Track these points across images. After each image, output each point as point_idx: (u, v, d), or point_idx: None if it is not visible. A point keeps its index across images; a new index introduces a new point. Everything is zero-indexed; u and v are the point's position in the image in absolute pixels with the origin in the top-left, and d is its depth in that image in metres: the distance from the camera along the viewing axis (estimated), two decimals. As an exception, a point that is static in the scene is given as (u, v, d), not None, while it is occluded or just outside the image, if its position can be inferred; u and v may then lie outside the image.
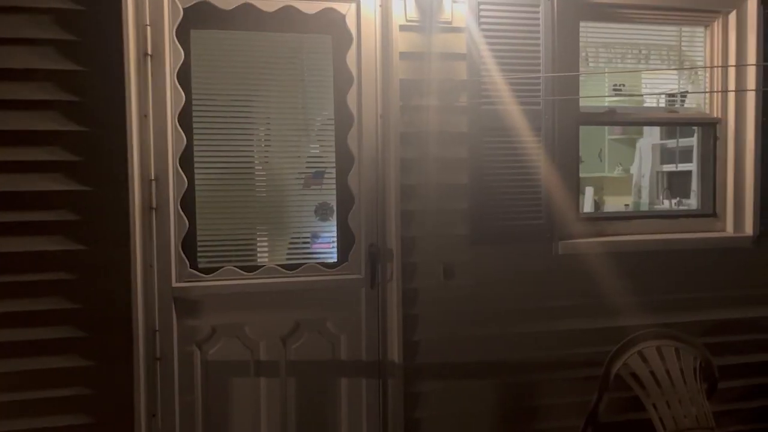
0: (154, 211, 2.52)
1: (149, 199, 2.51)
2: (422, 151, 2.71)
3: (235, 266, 2.68)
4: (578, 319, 2.88)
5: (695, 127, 3.35)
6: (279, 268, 2.71)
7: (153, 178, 2.51)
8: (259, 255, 2.87)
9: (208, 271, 2.66)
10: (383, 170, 2.71)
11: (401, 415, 2.73)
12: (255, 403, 2.69)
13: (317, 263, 2.78)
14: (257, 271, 2.69)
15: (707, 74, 3.17)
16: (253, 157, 2.79)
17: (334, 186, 2.79)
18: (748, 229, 3.07)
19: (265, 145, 2.82)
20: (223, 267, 2.67)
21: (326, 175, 2.84)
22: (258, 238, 2.86)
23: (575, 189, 2.93)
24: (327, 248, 3.04)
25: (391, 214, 2.70)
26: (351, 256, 2.77)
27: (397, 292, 2.70)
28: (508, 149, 2.78)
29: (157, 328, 2.54)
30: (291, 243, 2.92)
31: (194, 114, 2.61)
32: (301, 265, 2.75)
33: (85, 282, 2.44)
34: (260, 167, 2.81)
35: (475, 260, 2.77)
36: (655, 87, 3.50)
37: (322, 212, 3.05)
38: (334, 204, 2.82)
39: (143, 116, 2.49)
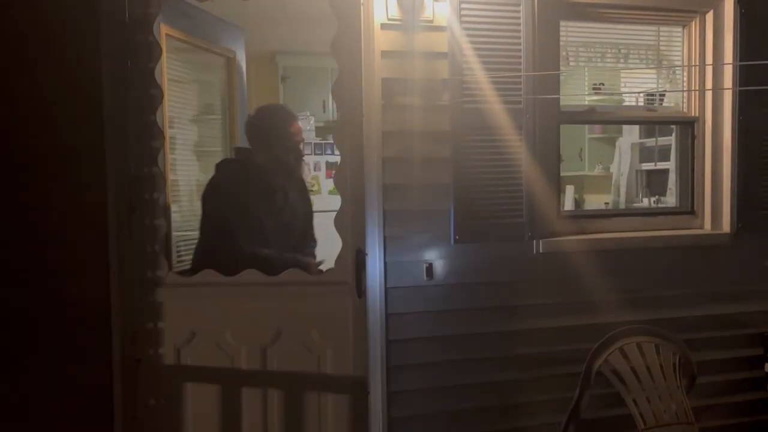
0: (133, 211, 2.49)
1: (128, 198, 2.47)
2: (405, 151, 2.71)
3: (215, 269, 2.59)
4: (559, 316, 2.90)
5: (673, 126, 3.39)
6: (260, 272, 2.61)
7: (132, 177, 2.48)
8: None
9: (187, 273, 2.61)
10: (367, 169, 2.70)
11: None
12: (236, 412, 2.60)
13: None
14: (238, 275, 2.59)
15: (685, 73, 3.21)
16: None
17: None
18: (726, 226, 3.12)
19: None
20: (202, 270, 2.59)
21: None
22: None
23: (556, 187, 2.95)
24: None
25: (374, 213, 2.69)
26: (337, 261, 2.66)
27: (379, 292, 2.69)
28: (490, 148, 2.78)
29: (135, 331, 2.50)
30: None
31: (170, 111, 2.59)
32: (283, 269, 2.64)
33: (61, 283, 2.40)
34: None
35: (456, 259, 2.77)
36: (635, 86, 3.54)
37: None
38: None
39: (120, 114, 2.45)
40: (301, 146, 2.98)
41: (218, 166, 2.79)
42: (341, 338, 2.63)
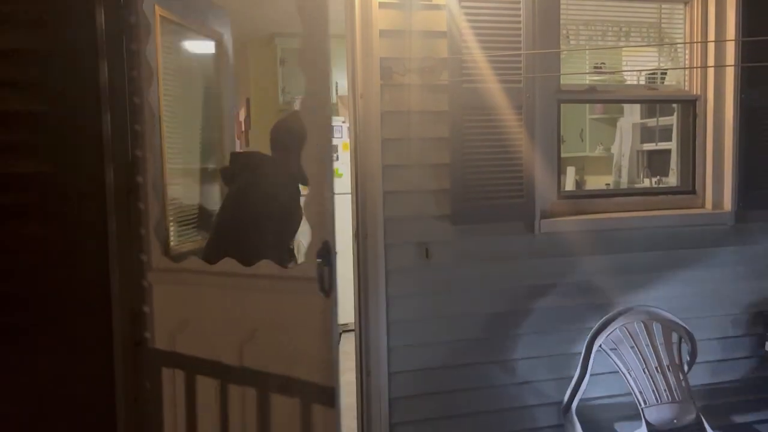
0: (130, 193, 2.47)
1: (125, 182, 2.45)
2: (403, 131, 2.69)
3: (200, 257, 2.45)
4: (560, 296, 2.89)
5: (675, 105, 3.36)
6: (237, 263, 2.34)
7: (130, 160, 2.45)
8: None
9: (177, 258, 2.51)
10: (365, 151, 2.69)
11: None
12: (217, 405, 2.39)
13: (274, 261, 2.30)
14: (217, 265, 2.36)
15: (687, 51, 3.18)
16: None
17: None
18: (727, 205, 3.10)
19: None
20: (187, 257, 2.48)
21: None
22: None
23: (556, 167, 2.93)
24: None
25: (374, 195, 2.68)
26: (307, 254, 2.21)
27: (379, 272, 2.69)
28: (490, 128, 2.76)
29: (136, 314, 2.49)
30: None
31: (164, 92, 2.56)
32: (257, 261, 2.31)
33: (60, 265, 2.39)
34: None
35: (456, 240, 2.77)
36: (636, 65, 3.50)
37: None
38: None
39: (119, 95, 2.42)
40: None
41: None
42: (309, 342, 2.22)
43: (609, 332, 2.74)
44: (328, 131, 2.17)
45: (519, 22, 2.76)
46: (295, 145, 2.54)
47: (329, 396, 2.15)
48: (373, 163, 2.66)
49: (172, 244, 2.61)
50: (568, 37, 3.14)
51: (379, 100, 2.63)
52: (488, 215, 2.79)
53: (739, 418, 3.16)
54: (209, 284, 2.36)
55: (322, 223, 2.14)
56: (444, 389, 2.80)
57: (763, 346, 3.17)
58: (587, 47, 3.23)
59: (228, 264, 2.33)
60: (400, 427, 2.75)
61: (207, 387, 2.39)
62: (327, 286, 2.13)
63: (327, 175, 2.14)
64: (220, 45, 3.05)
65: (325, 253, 2.12)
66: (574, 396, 2.78)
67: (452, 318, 2.78)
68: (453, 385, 2.81)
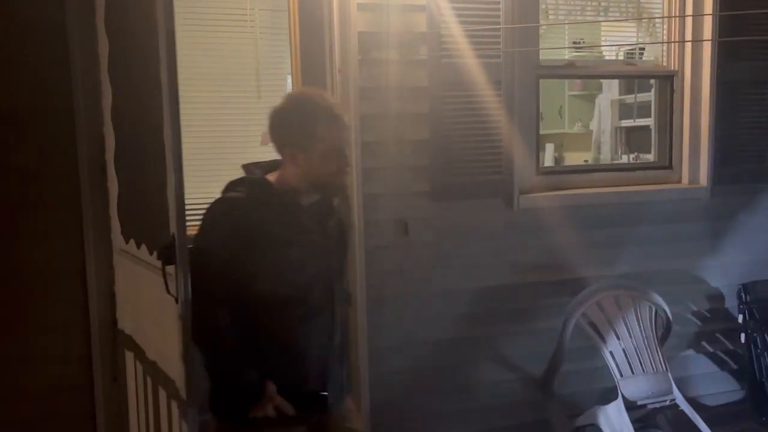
0: (103, 172, 2.41)
1: (98, 157, 2.40)
2: (382, 107, 2.67)
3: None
4: (538, 271, 2.91)
5: (653, 81, 3.38)
6: (135, 246, 2.14)
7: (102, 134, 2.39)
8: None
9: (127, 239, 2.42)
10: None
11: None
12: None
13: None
14: (141, 248, 2.12)
15: (664, 26, 3.18)
16: (196, 115, 2.68)
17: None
18: (703, 180, 3.14)
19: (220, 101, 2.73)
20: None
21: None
22: (209, 199, 2.70)
23: (535, 143, 2.93)
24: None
25: (352, 171, 2.66)
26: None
27: (359, 249, 2.68)
28: (469, 104, 2.75)
29: (113, 293, 2.46)
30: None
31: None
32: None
33: (33, 245, 2.35)
34: (207, 126, 2.71)
35: (436, 216, 2.76)
36: (614, 40, 3.51)
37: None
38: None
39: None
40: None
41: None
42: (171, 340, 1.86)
43: (586, 307, 2.76)
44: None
45: (498, -4, 2.74)
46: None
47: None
48: (350, 138, 2.63)
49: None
50: (547, 11, 3.13)
51: (357, 75, 2.60)
52: (468, 191, 2.79)
53: (714, 388, 3.23)
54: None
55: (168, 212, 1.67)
56: (425, 366, 2.82)
57: (737, 318, 3.24)
58: (566, 22, 3.23)
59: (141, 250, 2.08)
60: (381, 402, 2.76)
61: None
62: (173, 288, 1.67)
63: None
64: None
65: (169, 249, 1.67)
66: (552, 370, 2.82)
67: (432, 294, 2.79)
68: (434, 362, 2.83)
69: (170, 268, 1.69)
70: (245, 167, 1.91)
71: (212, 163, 2.75)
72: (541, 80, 2.97)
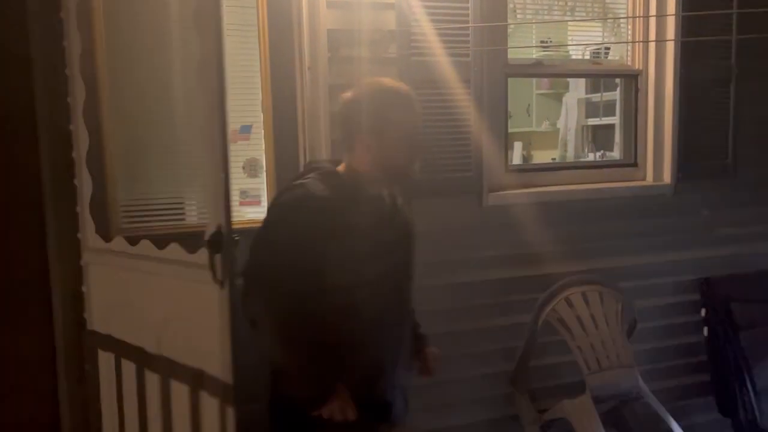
0: (68, 169, 2.36)
1: (64, 155, 2.35)
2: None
3: (125, 236, 2.28)
4: (507, 268, 2.94)
5: (618, 80, 3.43)
6: (151, 244, 2.13)
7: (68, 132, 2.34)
8: (187, 217, 2.75)
9: (108, 238, 2.34)
10: (312, 124, 2.65)
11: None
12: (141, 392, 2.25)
13: (183, 247, 2.06)
14: (137, 246, 2.18)
15: (629, 26, 3.24)
16: (170, 110, 2.63)
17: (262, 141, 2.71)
18: (667, 177, 3.20)
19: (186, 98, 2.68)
20: (114, 237, 2.32)
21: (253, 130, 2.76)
22: (177, 198, 2.63)
23: (504, 141, 2.96)
24: (257, 206, 2.98)
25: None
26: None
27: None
28: (438, 102, 2.76)
29: (75, 294, 2.40)
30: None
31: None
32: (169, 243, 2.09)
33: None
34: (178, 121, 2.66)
35: (407, 213, 2.76)
36: (581, 40, 3.56)
37: (250, 169, 2.98)
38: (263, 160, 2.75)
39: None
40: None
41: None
42: (210, 333, 1.96)
43: (555, 302, 2.80)
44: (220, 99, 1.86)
45: (467, -5, 2.76)
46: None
47: (227, 392, 1.88)
48: (320, 136, 2.63)
49: (125, 223, 2.50)
50: (515, 11, 3.16)
51: (327, 73, 2.59)
52: (437, 189, 2.79)
53: (678, 381, 3.30)
54: (132, 268, 2.19)
55: (214, 205, 1.87)
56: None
57: (700, 311, 3.31)
58: (534, 21, 3.26)
59: (144, 247, 2.16)
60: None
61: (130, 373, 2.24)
62: (220, 275, 1.83)
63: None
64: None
65: (214, 240, 1.84)
66: (522, 365, 2.85)
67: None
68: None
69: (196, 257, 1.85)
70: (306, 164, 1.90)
71: (178, 159, 2.71)
72: (509, 79, 2.99)
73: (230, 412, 1.85)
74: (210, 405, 1.93)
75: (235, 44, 2.77)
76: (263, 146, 2.74)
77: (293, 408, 1.72)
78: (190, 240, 1.99)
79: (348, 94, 1.82)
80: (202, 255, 1.87)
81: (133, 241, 2.21)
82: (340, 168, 1.84)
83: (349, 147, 1.82)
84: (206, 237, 1.84)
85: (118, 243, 2.26)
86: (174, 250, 2.04)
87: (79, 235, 2.36)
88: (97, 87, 2.40)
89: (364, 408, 1.70)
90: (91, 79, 2.36)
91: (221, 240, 1.83)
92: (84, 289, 2.37)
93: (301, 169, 2.00)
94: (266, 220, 1.79)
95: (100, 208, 2.41)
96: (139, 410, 2.21)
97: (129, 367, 2.22)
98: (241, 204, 2.95)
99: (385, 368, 1.80)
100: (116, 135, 2.47)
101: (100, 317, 2.35)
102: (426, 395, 2.83)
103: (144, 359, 2.16)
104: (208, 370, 1.93)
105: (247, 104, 2.77)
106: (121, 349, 2.23)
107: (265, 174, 2.80)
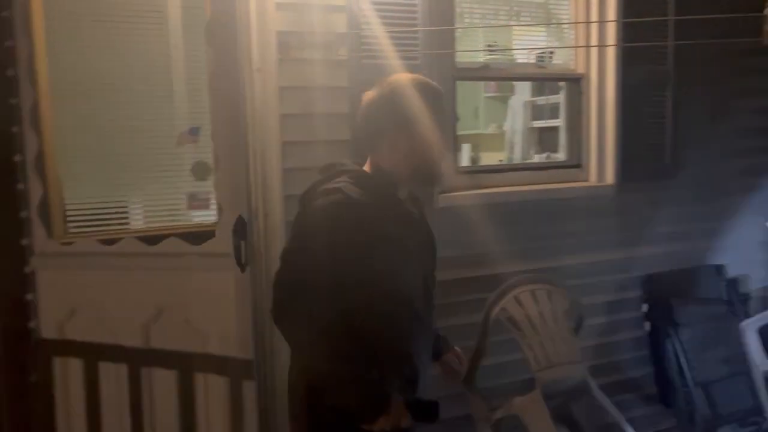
0: (11, 173, 2.28)
1: (6, 159, 2.26)
2: (302, 107, 2.65)
3: (97, 238, 2.32)
4: (457, 268, 2.97)
5: (562, 84, 3.53)
6: (139, 241, 2.27)
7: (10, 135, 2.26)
8: (132, 221, 2.69)
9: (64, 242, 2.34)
10: (263, 127, 2.61)
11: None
12: (119, 392, 2.33)
13: (180, 238, 2.28)
14: (116, 245, 2.27)
15: (573, 31, 3.33)
16: (117, 113, 2.57)
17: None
18: (609, 178, 3.31)
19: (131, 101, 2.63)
20: (76, 240, 2.33)
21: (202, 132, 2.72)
22: (121, 202, 2.59)
23: (452, 144, 3.00)
24: (206, 210, 2.94)
25: (272, 173, 2.62)
26: (217, 230, 2.26)
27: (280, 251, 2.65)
28: (389, 104, 2.77)
29: (18, 302, 2.32)
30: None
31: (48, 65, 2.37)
32: (162, 238, 2.28)
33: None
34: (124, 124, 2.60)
35: (358, 216, 2.77)
36: (526, 44, 3.64)
37: (198, 172, 2.93)
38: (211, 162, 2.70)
39: None
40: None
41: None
42: (224, 316, 2.24)
43: (504, 301, 2.85)
44: (235, 103, 2.30)
45: (415, -1, 2.78)
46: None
47: (246, 368, 2.22)
48: (271, 139, 2.60)
49: (71, 228, 2.42)
50: (462, 15, 3.20)
51: (276, 75, 2.57)
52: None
53: (622, 375, 3.41)
54: (107, 266, 2.21)
55: (235, 196, 2.21)
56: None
57: (641, 307, 3.43)
58: (480, 25, 3.31)
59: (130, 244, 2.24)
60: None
61: (110, 373, 2.26)
62: (243, 260, 2.15)
63: (235, 148, 2.27)
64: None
65: (238, 228, 2.15)
66: (474, 364, 2.89)
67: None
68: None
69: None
70: (327, 166, 1.81)
71: (126, 163, 2.65)
72: (457, 82, 3.04)
73: (249, 386, 2.15)
74: (219, 385, 2.21)
75: (181, 45, 2.72)
76: (212, 148, 2.69)
77: (341, 422, 1.65)
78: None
79: (371, 93, 1.77)
80: (216, 244, 2.18)
81: (110, 242, 2.32)
82: (366, 168, 1.78)
83: (374, 146, 1.75)
84: (231, 227, 2.14)
85: (86, 244, 2.28)
86: (172, 242, 2.24)
87: (23, 242, 2.27)
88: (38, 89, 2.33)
89: (412, 412, 1.68)
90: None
91: (245, 227, 2.15)
92: (30, 297, 2.28)
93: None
94: (303, 227, 1.69)
95: (44, 212, 2.33)
96: (132, 410, 2.29)
97: (107, 369, 2.25)
98: (191, 207, 2.89)
99: (420, 370, 1.79)
100: (59, 138, 2.40)
101: (54, 324, 2.27)
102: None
103: (128, 356, 2.26)
104: (217, 351, 2.21)
105: (194, 106, 2.72)
106: (93, 352, 2.23)
107: (213, 177, 2.75)
